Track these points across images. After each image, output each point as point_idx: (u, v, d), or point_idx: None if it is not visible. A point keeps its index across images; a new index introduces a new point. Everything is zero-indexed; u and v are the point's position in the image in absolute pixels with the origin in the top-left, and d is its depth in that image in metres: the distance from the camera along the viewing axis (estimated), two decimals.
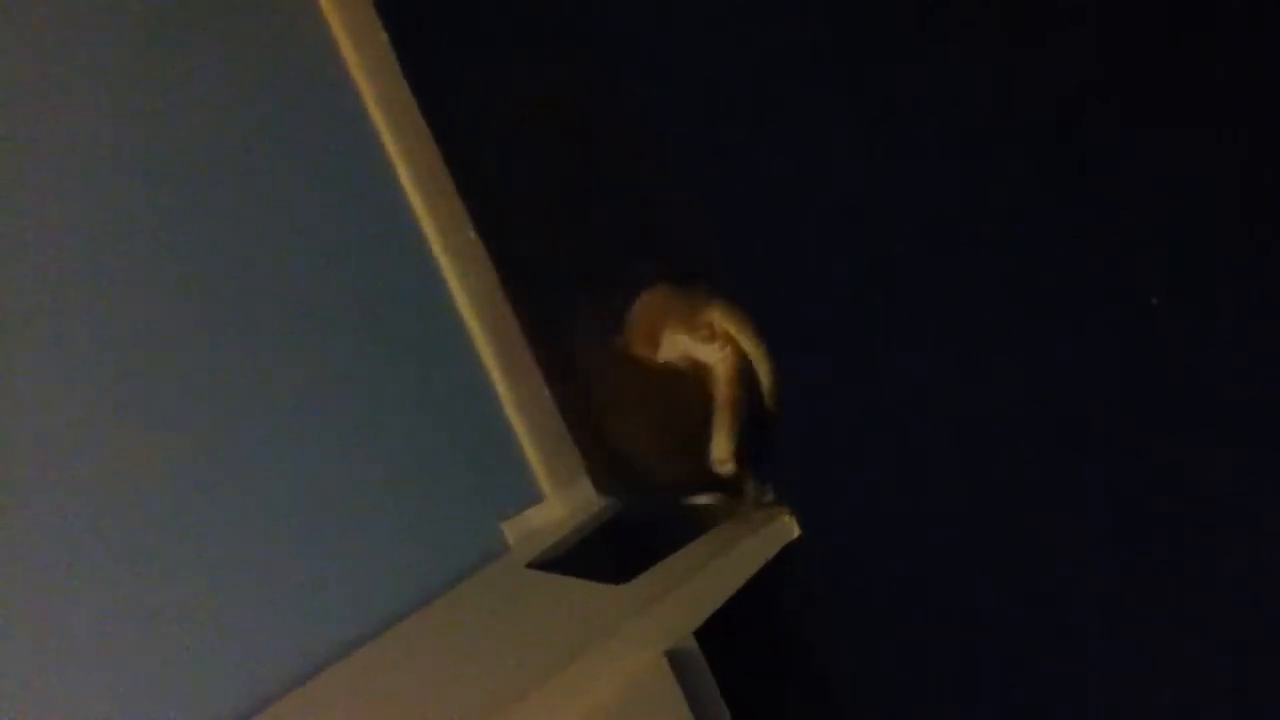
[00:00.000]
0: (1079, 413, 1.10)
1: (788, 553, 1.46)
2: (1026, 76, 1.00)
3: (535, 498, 1.86)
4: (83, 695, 1.43)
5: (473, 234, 1.88)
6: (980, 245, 1.11)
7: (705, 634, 1.40)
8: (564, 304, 1.80)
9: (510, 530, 1.80)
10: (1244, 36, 0.86)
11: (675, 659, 1.33)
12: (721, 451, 1.45)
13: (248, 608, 1.57)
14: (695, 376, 1.46)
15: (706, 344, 1.42)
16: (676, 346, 1.47)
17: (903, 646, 1.43)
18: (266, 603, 1.59)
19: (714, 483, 1.51)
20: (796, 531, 1.47)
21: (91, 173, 1.59)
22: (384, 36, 1.88)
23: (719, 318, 1.42)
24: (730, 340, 1.42)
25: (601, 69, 1.49)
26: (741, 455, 1.46)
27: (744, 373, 1.43)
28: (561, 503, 1.85)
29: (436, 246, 1.86)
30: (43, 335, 1.51)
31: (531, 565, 1.69)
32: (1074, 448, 1.12)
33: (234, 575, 1.57)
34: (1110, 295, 1.02)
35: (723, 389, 1.44)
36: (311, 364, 1.71)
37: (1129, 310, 1.01)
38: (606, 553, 1.72)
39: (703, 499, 1.56)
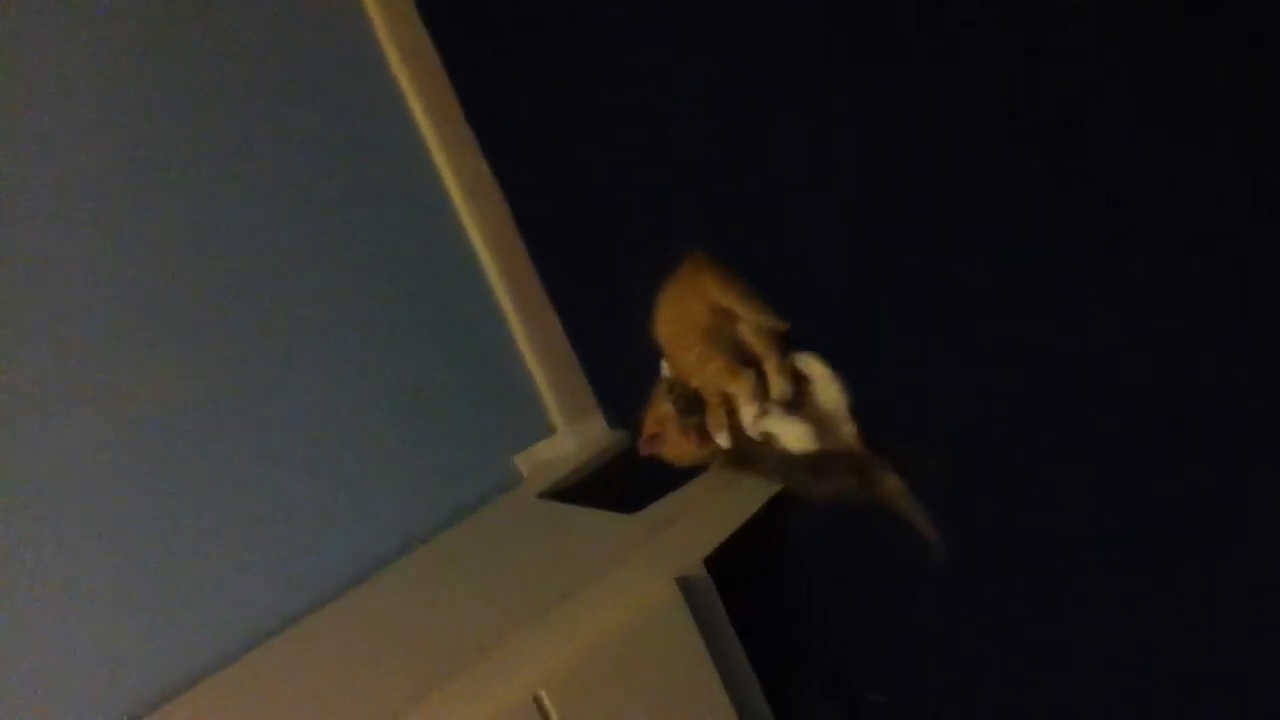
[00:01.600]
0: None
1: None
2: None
3: (547, 431, 1.88)
4: (100, 614, 1.48)
5: (485, 166, 1.88)
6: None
7: (715, 564, 1.43)
8: (581, 245, 1.80)
9: (523, 463, 1.83)
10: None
11: (685, 586, 1.36)
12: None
13: (274, 535, 1.61)
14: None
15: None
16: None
17: (906, 582, 1.45)
18: (291, 529, 1.63)
19: None
20: None
21: (90, 117, 1.58)
22: None
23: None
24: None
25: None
26: None
27: None
28: (573, 436, 1.88)
29: (449, 180, 1.86)
30: (52, 274, 1.52)
31: (544, 495, 1.72)
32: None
33: (256, 508, 1.61)
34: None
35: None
36: (324, 301, 1.72)
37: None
38: (617, 484, 1.75)
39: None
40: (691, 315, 1.39)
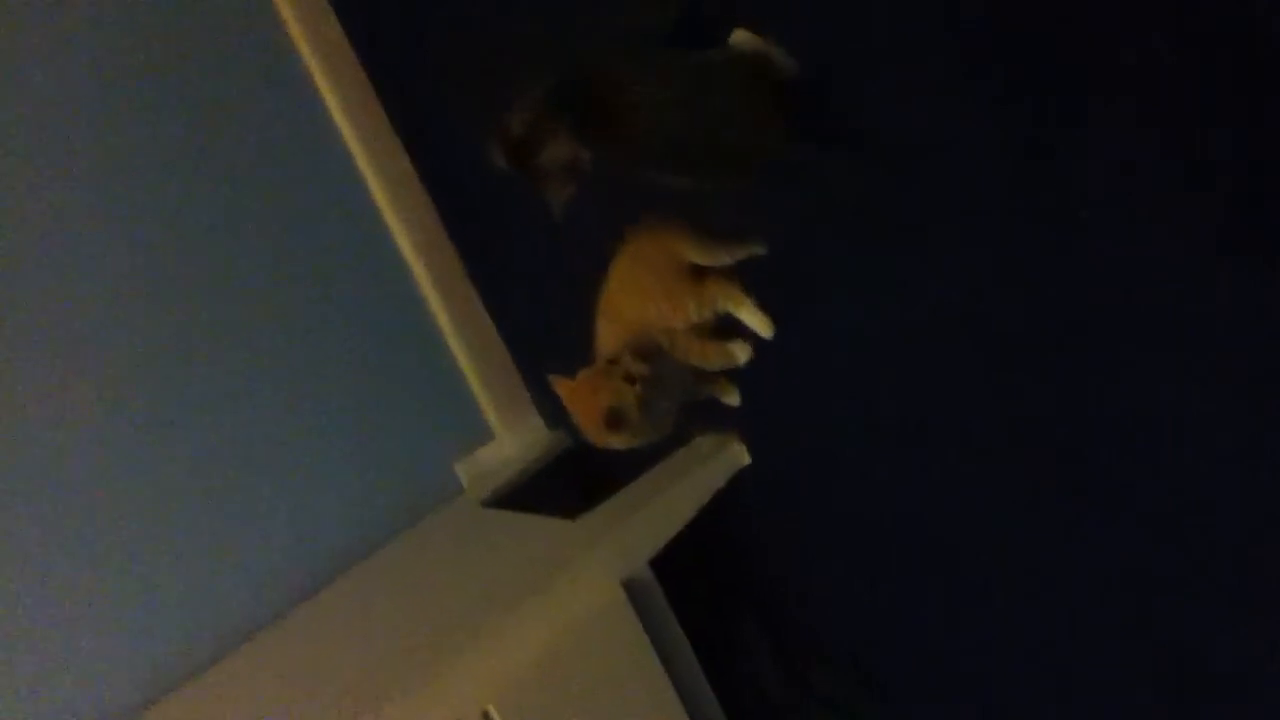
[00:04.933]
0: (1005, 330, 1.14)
1: (739, 480, 1.49)
2: None
3: (486, 436, 1.86)
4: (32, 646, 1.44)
5: (408, 166, 1.85)
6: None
7: (660, 563, 1.44)
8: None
9: (463, 470, 1.81)
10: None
11: (631, 588, 1.36)
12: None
13: (204, 560, 1.57)
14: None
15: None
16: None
17: (850, 568, 1.47)
18: (225, 554, 1.59)
19: None
20: (747, 459, 1.50)
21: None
22: None
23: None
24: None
25: None
26: None
27: None
28: (513, 440, 1.86)
29: (373, 184, 1.83)
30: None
31: (486, 503, 1.70)
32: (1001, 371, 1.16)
33: (185, 528, 1.57)
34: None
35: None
36: (249, 313, 1.68)
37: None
38: (560, 487, 1.75)
39: None
40: (654, 268, 1.29)
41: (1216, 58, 0.87)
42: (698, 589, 1.54)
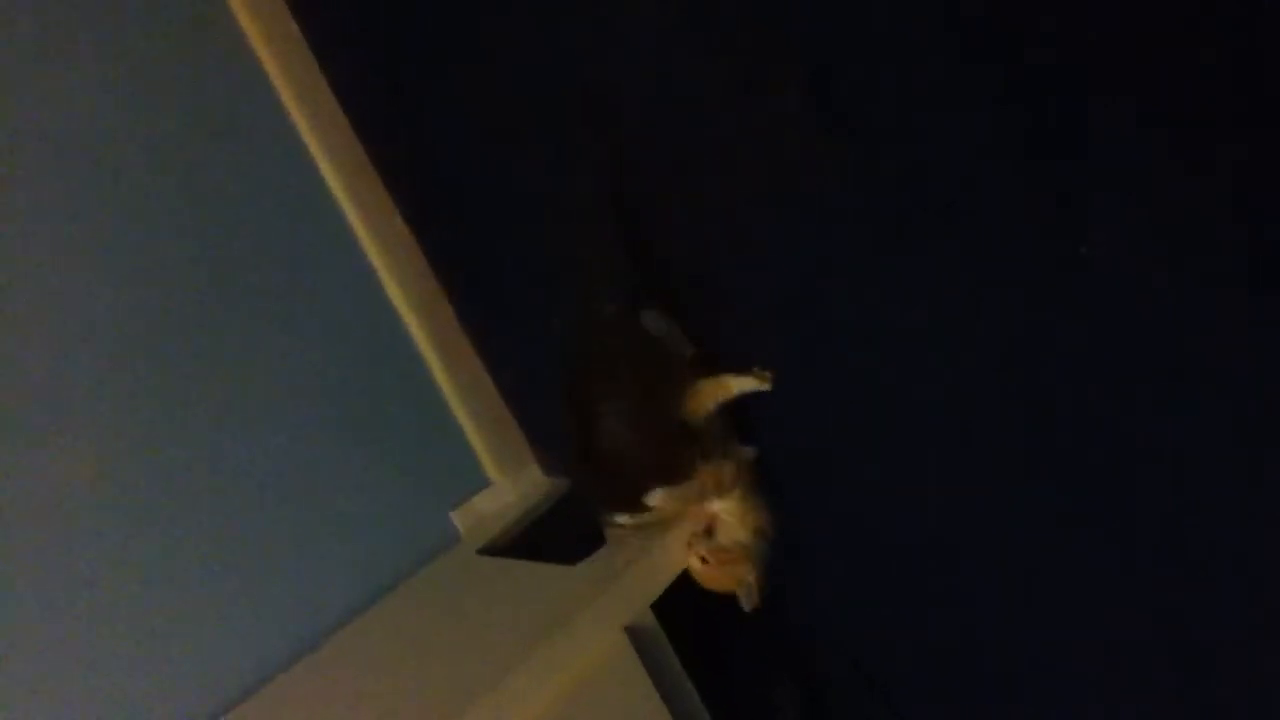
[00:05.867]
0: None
1: None
2: None
3: (482, 484, 1.85)
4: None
5: (399, 221, 1.86)
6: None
7: (661, 607, 1.43)
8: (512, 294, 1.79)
9: (460, 519, 1.80)
10: None
11: (635, 634, 1.35)
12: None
13: (195, 620, 1.54)
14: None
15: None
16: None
17: (854, 604, 1.46)
18: (215, 612, 1.56)
19: None
20: None
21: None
22: (295, 28, 1.83)
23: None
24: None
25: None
26: None
27: None
28: (509, 487, 1.85)
29: (364, 237, 1.83)
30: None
31: (483, 552, 1.69)
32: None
33: (176, 587, 1.53)
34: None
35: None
36: (239, 364, 1.67)
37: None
38: (558, 534, 1.73)
39: None
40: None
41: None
42: (700, 634, 1.53)
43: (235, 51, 1.79)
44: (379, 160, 1.85)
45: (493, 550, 1.69)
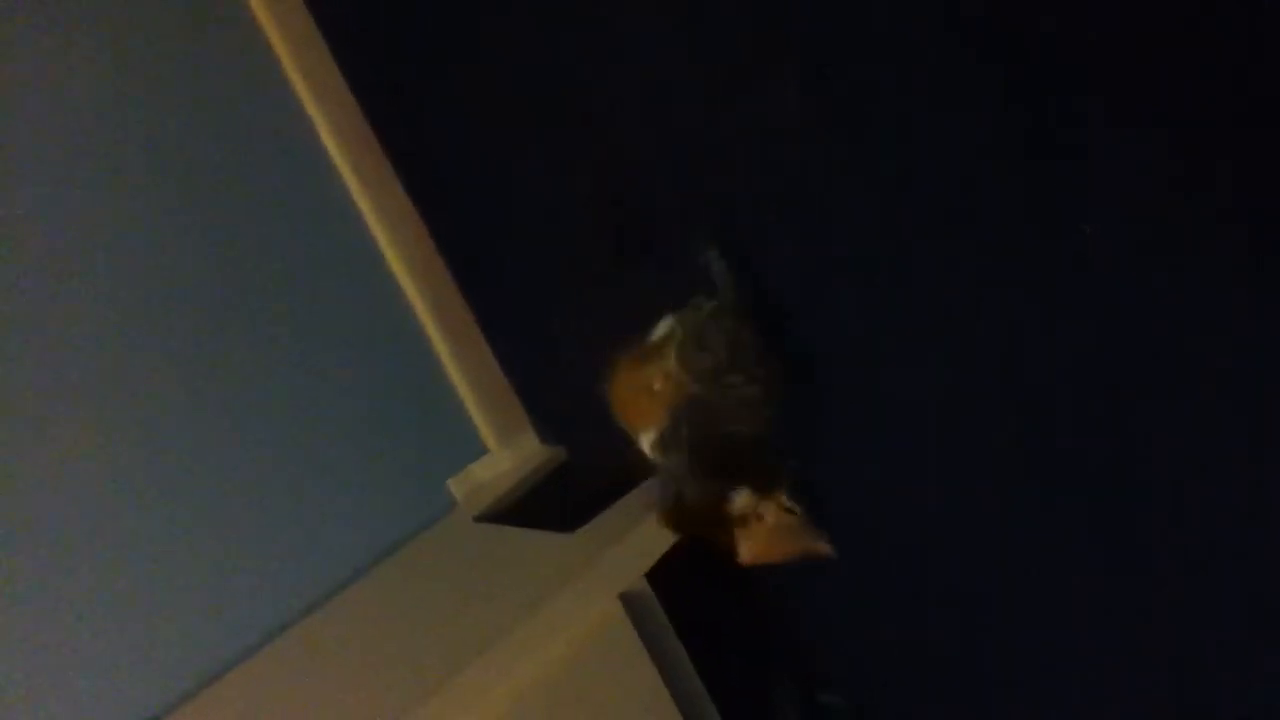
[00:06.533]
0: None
1: None
2: None
3: (479, 451, 1.85)
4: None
5: (401, 192, 1.84)
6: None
7: (655, 575, 1.43)
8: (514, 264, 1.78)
9: (456, 486, 1.80)
10: None
11: (629, 602, 1.35)
12: None
13: (192, 584, 1.55)
14: None
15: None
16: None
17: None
18: (214, 577, 1.56)
19: None
20: None
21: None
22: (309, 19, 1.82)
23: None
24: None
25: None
26: None
27: None
28: (506, 455, 1.85)
29: (364, 207, 1.82)
30: None
31: (480, 519, 1.69)
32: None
33: (178, 552, 1.54)
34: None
35: None
36: (240, 330, 1.67)
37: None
38: (554, 502, 1.73)
39: None
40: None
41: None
42: (694, 602, 1.53)
43: (248, 41, 1.79)
44: (382, 134, 1.83)
45: (489, 517, 1.70)
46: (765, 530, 1.32)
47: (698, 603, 1.54)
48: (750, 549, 1.33)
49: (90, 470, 1.51)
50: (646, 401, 1.28)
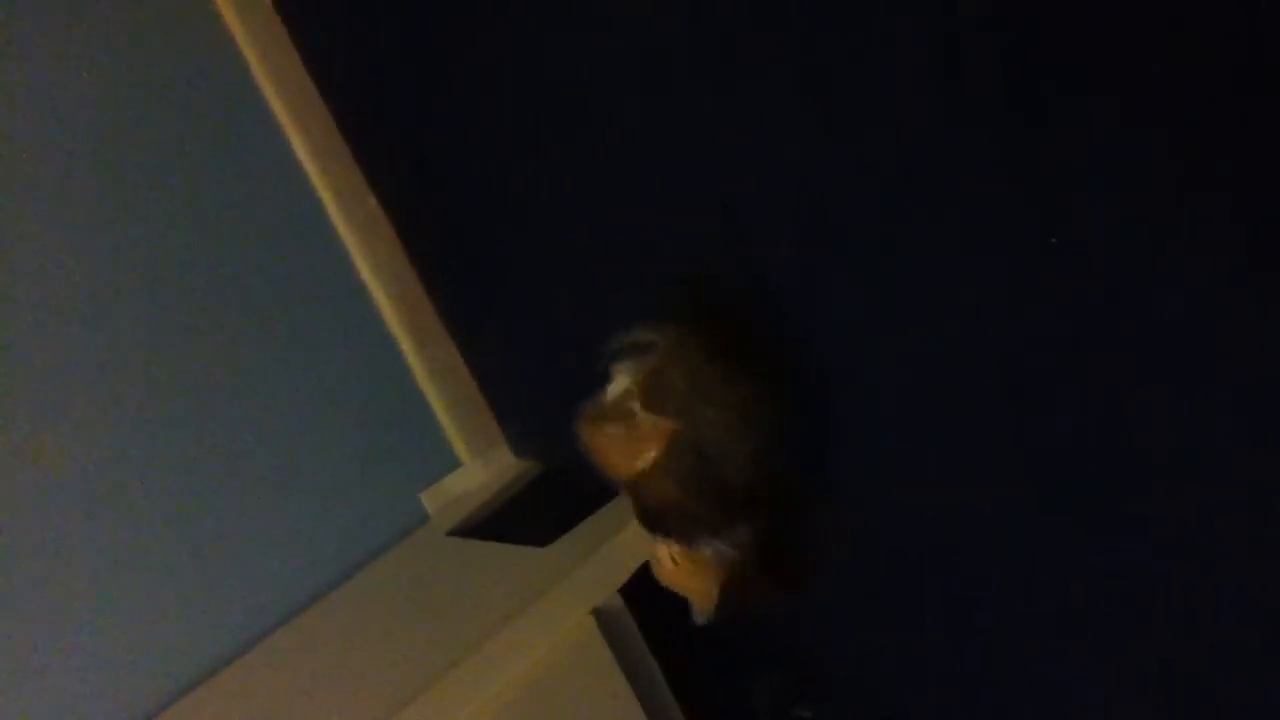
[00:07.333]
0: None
1: None
2: None
3: (452, 464, 1.84)
4: None
5: (373, 202, 1.84)
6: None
7: (629, 590, 1.42)
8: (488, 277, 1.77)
9: (429, 500, 1.79)
10: None
11: (602, 617, 1.35)
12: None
13: (161, 596, 1.53)
14: None
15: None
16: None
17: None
18: (183, 590, 1.55)
19: None
20: None
21: None
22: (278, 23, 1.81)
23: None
24: None
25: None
26: None
27: None
28: (479, 468, 1.84)
29: (336, 216, 1.81)
30: None
31: (452, 533, 1.68)
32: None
33: (144, 565, 1.53)
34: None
35: None
36: (211, 341, 1.65)
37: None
38: (527, 516, 1.73)
39: None
40: None
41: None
42: (668, 617, 1.53)
43: (216, 40, 1.77)
44: (352, 141, 1.82)
45: (462, 531, 1.69)
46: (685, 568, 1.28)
47: (671, 618, 1.54)
48: (666, 573, 1.30)
49: (64, 480, 1.50)
50: (629, 455, 1.25)
